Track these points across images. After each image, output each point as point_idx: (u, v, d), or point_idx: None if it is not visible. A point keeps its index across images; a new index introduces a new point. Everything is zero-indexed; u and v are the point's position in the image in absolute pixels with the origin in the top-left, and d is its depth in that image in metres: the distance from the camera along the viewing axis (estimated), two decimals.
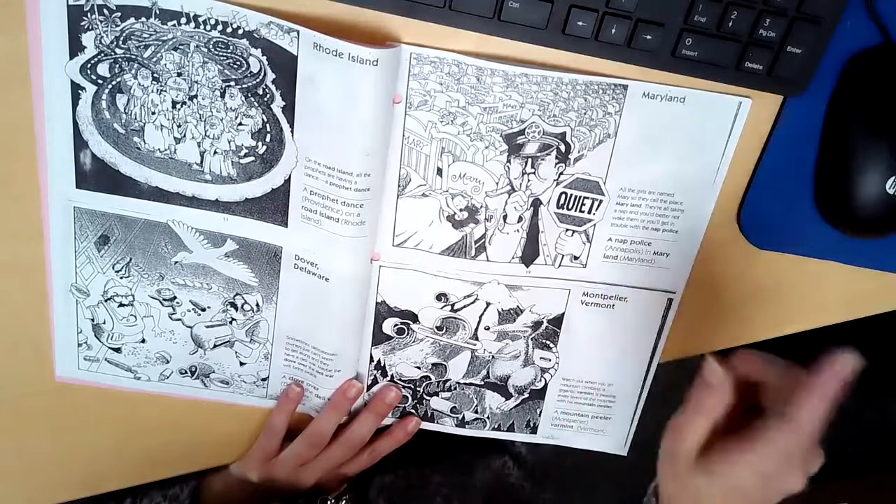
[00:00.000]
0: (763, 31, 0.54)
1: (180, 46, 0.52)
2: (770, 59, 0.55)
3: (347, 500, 0.72)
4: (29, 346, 0.64)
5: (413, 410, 0.70)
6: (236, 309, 0.64)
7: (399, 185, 0.59)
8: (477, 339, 0.66)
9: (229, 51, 0.52)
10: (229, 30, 0.52)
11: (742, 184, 0.63)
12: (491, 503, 0.79)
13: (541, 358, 0.68)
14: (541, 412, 0.71)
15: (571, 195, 0.60)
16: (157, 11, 0.51)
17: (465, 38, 0.54)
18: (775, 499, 0.50)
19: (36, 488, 0.71)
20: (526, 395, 0.70)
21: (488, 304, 0.65)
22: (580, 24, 0.53)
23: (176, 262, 0.61)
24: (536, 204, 0.61)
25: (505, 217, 0.61)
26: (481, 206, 0.60)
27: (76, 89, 0.54)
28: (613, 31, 0.54)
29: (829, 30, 0.55)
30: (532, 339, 0.67)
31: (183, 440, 0.71)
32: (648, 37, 0.54)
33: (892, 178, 0.58)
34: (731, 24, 0.54)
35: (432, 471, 0.77)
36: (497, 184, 0.59)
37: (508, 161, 0.59)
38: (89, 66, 0.53)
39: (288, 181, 0.57)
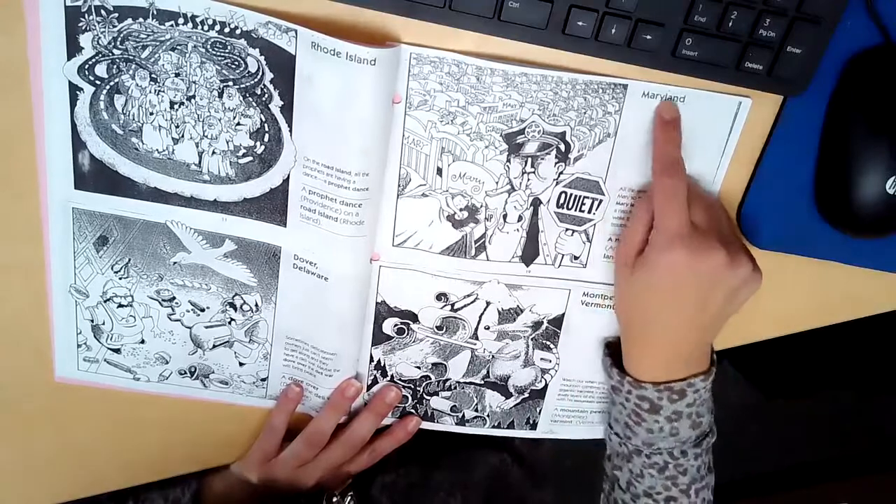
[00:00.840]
0: (763, 31, 0.54)
1: (178, 47, 0.52)
2: (770, 59, 0.55)
3: (352, 497, 0.72)
4: (29, 347, 0.64)
5: (413, 410, 0.70)
6: (235, 309, 0.63)
7: (399, 185, 0.59)
8: (477, 338, 0.66)
9: (227, 51, 0.52)
10: (227, 30, 0.52)
11: (742, 184, 0.63)
12: (492, 501, 0.79)
13: (541, 359, 0.68)
14: (541, 410, 0.71)
15: (571, 194, 0.60)
16: (155, 12, 0.51)
17: (465, 37, 0.54)
18: (708, 280, 0.56)
19: (36, 488, 0.71)
20: (526, 395, 0.70)
21: (488, 304, 0.65)
22: (580, 24, 0.53)
23: (175, 263, 0.61)
24: (536, 203, 0.60)
25: (505, 216, 0.61)
26: (481, 206, 0.60)
27: (74, 90, 0.54)
28: (613, 31, 0.54)
29: (829, 30, 0.55)
30: (532, 340, 0.67)
31: (183, 440, 0.71)
32: (648, 37, 0.54)
33: (892, 178, 0.58)
34: (731, 24, 0.54)
35: (434, 468, 0.77)
36: (497, 183, 0.59)
37: (508, 160, 0.58)
38: (87, 66, 0.53)
39: (286, 181, 0.57)
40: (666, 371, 0.60)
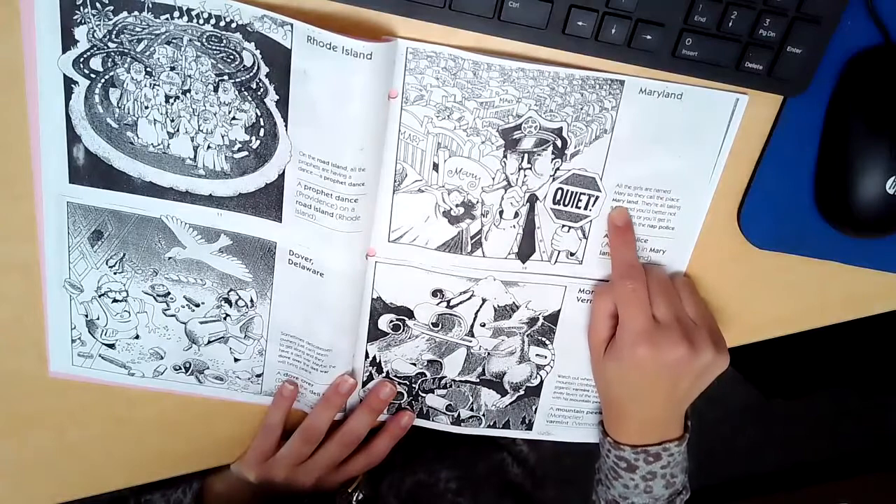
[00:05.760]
0: (763, 31, 0.54)
1: (173, 40, 0.52)
2: (770, 59, 0.55)
3: (360, 493, 0.71)
4: (26, 344, 0.64)
5: (408, 407, 0.70)
6: (230, 305, 0.63)
7: (395, 181, 0.58)
8: (472, 335, 0.66)
9: (222, 45, 0.52)
10: (222, 23, 0.51)
11: (742, 184, 0.62)
12: (498, 500, 0.79)
13: (536, 355, 0.68)
14: (536, 409, 0.71)
15: (568, 191, 0.60)
16: (150, 5, 0.51)
17: (464, 37, 0.54)
18: (674, 370, 0.60)
19: (36, 488, 0.71)
20: (521, 392, 0.70)
21: (484, 301, 0.64)
22: (580, 24, 0.53)
23: (170, 258, 0.61)
24: (533, 200, 0.60)
25: (501, 213, 0.60)
26: (477, 202, 0.60)
27: (69, 83, 0.54)
28: (613, 31, 0.53)
29: (829, 30, 0.54)
30: (528, 336, 0.67)
31: (182, 440, 0.71)
32: (648, 37, 0.54)
33: (892, 178, 0.58)
34: (731, 24, 0.53)
35: (440, 468, 0.77)
36: (493, 179, 0.59)
37: (505, 156, 0.58)
38: (82, 60, 0.53)
39: (282, 176, 0.57)
40: (641, 436, 0.64)
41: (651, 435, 0.64)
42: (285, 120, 0.55)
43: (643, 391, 0.62)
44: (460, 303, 0.64)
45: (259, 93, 0.54)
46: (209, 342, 0.65)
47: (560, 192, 0.60)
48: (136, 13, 0.51)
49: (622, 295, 0.61)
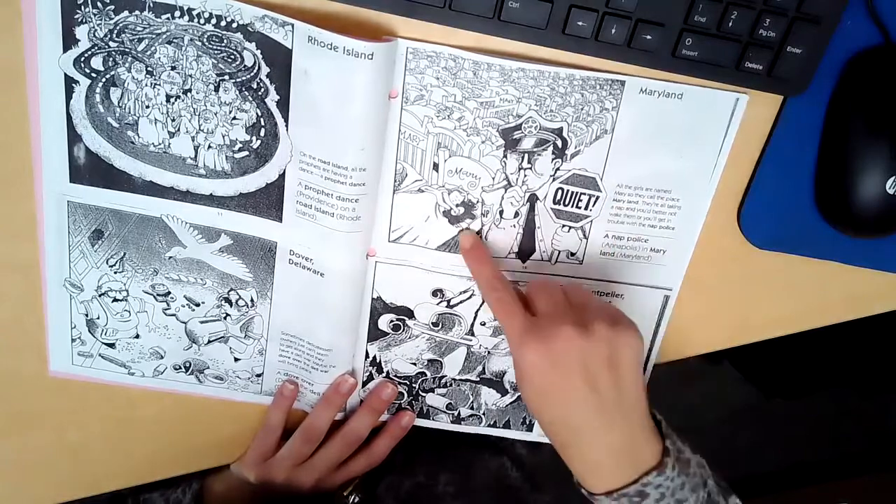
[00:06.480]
0: (763, 31, 0.54)
1: (174, 40, 0.52)
2: (770, 59, 0.55)
3: (357, 496, 0.71)
4: (26, 343, 0.64)
5: (408, 407, 0.70)
6: (231, 304, 0.63)
7: (395, 181, 0.58)
8: (473, 334, 0.66)
9: (223, 44, 0.52)
10: (223, 23, 0.51)
11: (742, 184, 0.62)
12: (497, 503, 0.79)
13: None
14: None
15: (568, 191, 0.60)
16: (151, 4, 0.51)
17: (464, 37, 0.54)
18: (572, 359, 0.52)
19: (36, 488, 0.71)
20: None
21: (484, 300, 0.64)
22: (580, 24, 0.53)
23: (170, 257, 0.61)
24: (533, 199, 0.60)
25: (501, 212, 0.60)
26: (477, 202, 0.60)
27: (70, 83, 0.54)
28: (613, 31, 0.53)
29: (829, 30, 0.54)
30: None
31: (182, 440, 0.71)
32: (648, 37, 0.54)
33: (892, 178, 0.58)
34: (731, 24, 0.53)
35: (439, 471, 0.77)
36: (493, 179, 0.59)
37: (505, 156, 0.58)
38: (83, 59, 0.53)
39: (282, 176, 0.57)
40: (612, 477, 0.54)
41: (618, 471, 0.54)
42: (286, 120, 0.55)
43: (560, 404, 0.53)
44: (460, 302, 0.64)
45: (260, 93, 0.54)
46: (209, 342, 0.65)
47: (560, 191, 0.60)
48: (137, 12, 0.51)
49: (494, 305, 0.57)
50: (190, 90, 0.54)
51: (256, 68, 0.53)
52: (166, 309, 0.63)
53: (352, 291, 0.62)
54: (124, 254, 0.61)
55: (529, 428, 0.71)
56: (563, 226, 0.62)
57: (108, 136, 0.56)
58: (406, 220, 0.60)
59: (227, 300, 0.63)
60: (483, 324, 0.65)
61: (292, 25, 0.51)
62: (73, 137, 0.56)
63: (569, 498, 0.86)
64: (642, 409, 0.55)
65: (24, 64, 0.53)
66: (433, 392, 0.69)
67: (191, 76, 0.53)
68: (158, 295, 0.63)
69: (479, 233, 0.61)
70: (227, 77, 0.53)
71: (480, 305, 0.65)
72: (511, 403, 0.70)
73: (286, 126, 0.55)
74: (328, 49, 0.51)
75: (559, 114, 0.57)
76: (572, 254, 0.63)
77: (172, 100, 0.54)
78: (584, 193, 0.60)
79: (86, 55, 0.53)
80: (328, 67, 0.51)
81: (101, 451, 0.70)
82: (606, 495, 0.54)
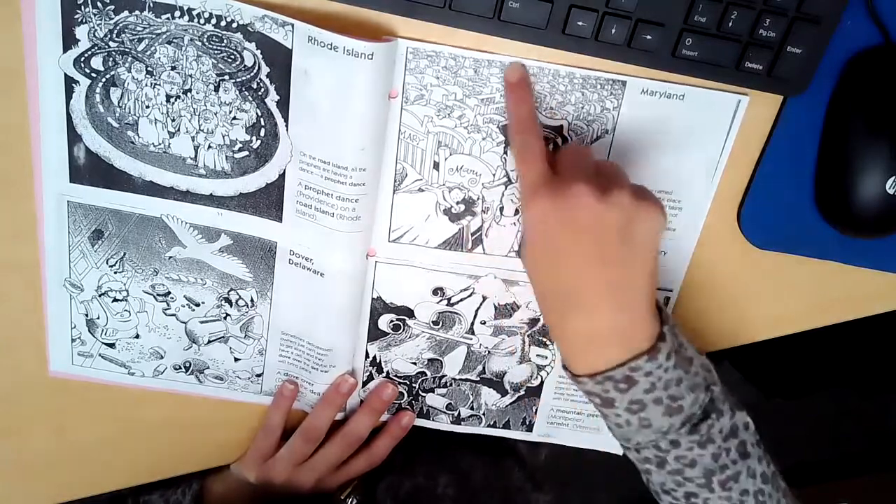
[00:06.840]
0: (763, 31, 0.54)
1: (174, 40, 0.52)
2: (770, 59, 0.55)
3: (355, 497, 0.71)
4: (26, 344, 0.64)
5: (408, 407, 0.70)
6: (231, 304, 0.63)
7: (395, 181, 0.58)
8: (473, 333, 0.66)
9: (223, 44, 0.52)
10: (223, 23, 0.51)
11: (742, 184, 0.62)
12: (496, 503, 0.79)
13: (537, 355, 0.68)
14: (537, 409, 0.71)
15: None
16: (151, 4, 0.51)
17: (464, 37, 0.54)
18: (584, 220, 0.48)
19: (35, 488, 0.71)
20: (522, 393, 0.69)
21: (484, 298, 0.64)
22: (580, 24, 0.53)
23: (170, 257, 0.61)
24: None
25: (502, 209, 0.60)
26: (478, 199, 0.60)
27: (70, 83, 0.54)
28: (613, 31, 0.53)
29: (829, 30, 0.54)
30: (528, 336, 0.67)
31: (182, 440, 0.71)
32: (648, 37, 0.54)
33: (892, 178, 0.58)
34: (731, 24, 0.53)
35: (439, 472, 0.77)
36: (494, 175, 0.59)
37: (505, 152, 0.58)
38: (83, 59, 0.53)
39: (282, 176, 0.57)
40: (600, 357, 0.50)
41: (608, 351, 0.49)
42: (286, 120, 0.55)
43: (562, 269, 0.49)
44: (461, 300, 0.64)
45: (260, 93, 0.54)
46: (209, 342, 0.65)
47: None
48: (137, 12, 0.51)
49: (517, 147, 0.53)
50: (190, 90, 0.54)
51: (256, 68, 0.53)
52: (166, 309, 0.63)
53: (352, 291, 0.62)
54: (124, 254, 0.61)
55: (529, 428, 0.71)
56: None
57: (108, 136, 0.56)
58: (406, 220, 0.60)
59: (227, 300, 0.63)
60: (483, 322, 0.65)
61: (292, 25, 0.51)
62: (73, 137, 0.56)
63: (569, 498, 0.86)
64: (648, 294, 0.50)
65: (24, 64, 0.53)
66: (433, 392, 0.69)
67: (191, 76, 0.53)
68: (158, 295, 0.63)
69: (479, 230, 0.61)
70: (227, 77, 0.53)
71: (481, 304, 0.65)
72: (511, 404, 0.70)
73: (286, 126, 0.55)
74: (328, 49, 0.51)
75: (559, 112, 0.57)
76: None
77: (172, 100, 0.54)
78: None
79: (86, 55, 0.53)
80: (328, 67, 0.51)
81: (101, 451, 0.70)
82: (590, 377, 0.50)
